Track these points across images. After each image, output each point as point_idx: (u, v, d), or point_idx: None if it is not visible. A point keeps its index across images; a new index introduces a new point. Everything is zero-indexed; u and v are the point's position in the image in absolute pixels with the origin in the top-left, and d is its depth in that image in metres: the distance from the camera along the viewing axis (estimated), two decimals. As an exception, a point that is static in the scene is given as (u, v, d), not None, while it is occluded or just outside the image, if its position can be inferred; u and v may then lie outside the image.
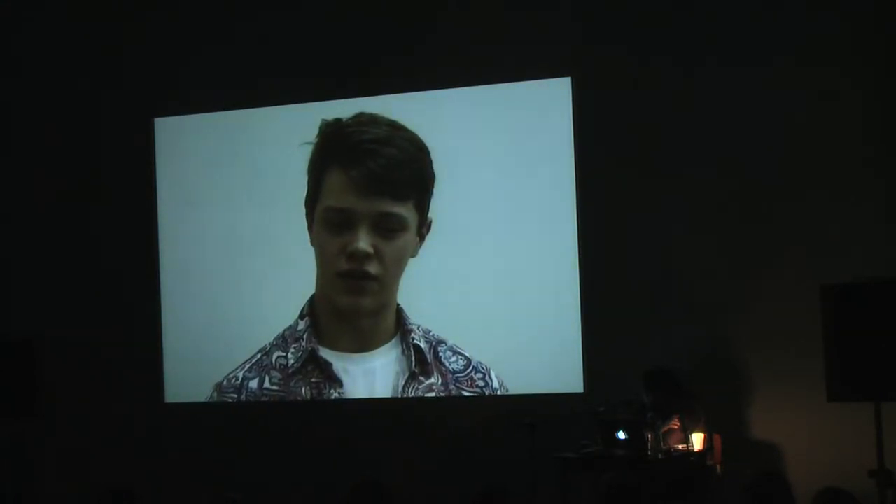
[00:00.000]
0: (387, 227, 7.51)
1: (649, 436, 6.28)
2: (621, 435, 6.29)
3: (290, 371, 7.79)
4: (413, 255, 7.56)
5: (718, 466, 6.59)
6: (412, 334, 7.56)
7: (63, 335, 8.09)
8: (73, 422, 8.18)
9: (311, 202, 7.72)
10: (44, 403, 7.30)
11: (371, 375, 7.64)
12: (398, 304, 7.59)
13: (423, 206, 7.55)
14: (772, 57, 7.03)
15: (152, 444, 8.02)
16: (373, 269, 7.51)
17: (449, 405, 7.50)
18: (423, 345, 7.54)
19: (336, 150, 7.71)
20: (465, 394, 7.46)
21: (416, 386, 7.54)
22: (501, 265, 7.43)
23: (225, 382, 7.94)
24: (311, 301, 7.75)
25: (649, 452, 6.23)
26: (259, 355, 7.88)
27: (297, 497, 7.53)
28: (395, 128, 7.62)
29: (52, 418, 7.86)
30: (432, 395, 7.52)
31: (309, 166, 7.76)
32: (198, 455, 7.88)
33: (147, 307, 8.16)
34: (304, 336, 7.75)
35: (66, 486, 7.91)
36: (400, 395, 7.56)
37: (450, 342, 7.51)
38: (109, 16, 8.37)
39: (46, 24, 8.54)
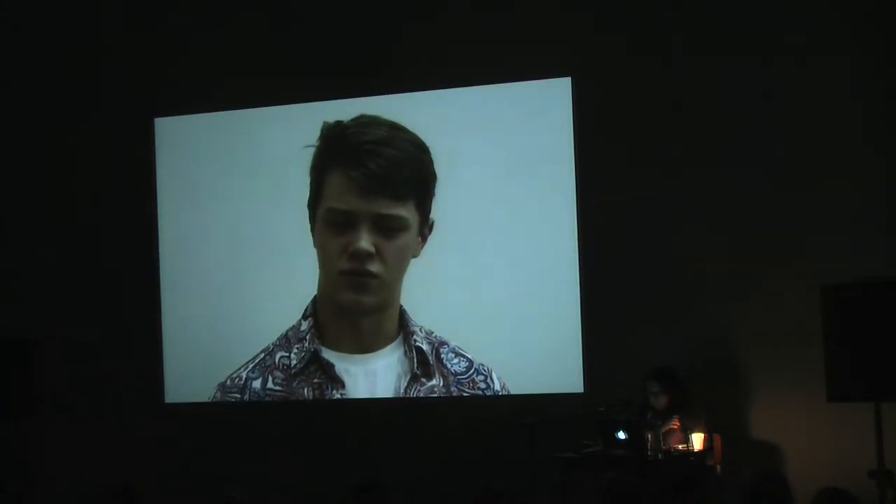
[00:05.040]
0: (387, 227, 7.51)
1: (649, 436, 6.29)
2: (621, 435, 6.29)
3: (292, 371, 7.79)
4: (415, 256, 7.56)
5: (718, 466, 6.58)
6: (414, 336, 7.55)
7: (63, 335, 8.08)
8: (73, 422, 8.17)
9: (314, 203, 7.72)
10: (44, 403, 7.30)
11: (373, 376, 7.63)
12: (401, 306, 7.60)
13: (424, 207, 7.55)
14: (772, 56, 7.02)
15: (152, 444, 8.00)
16: (374, 267, 7.51)
17: (449, 405, 7.49)
18: (425, 346, 7.54)
19: (337, 151, 7.71)
20: (466, 395, 7.46)
21: (418, 387, 7.54)
22: (501, 265, 7.42)
23: (228, 382, 7.94)
24: (314, 301, 7.76)
25: (649, 452, 6.23)
26: (262, 355, 7.88)
27: (298, 497, 7.53)
28: (395, 129, 7.63)
29: (52, 418, 7.86)
30: (434, 396, 7.51)
31: (311, 168, 7.76)
32: (198, 455, 7.88)
33: (147, 307, 8.16)
34: (307, 337, 7.75)
35: (67, 486, 7.90)
36: (401, 397, 7.55)
37: (452, 344, 7.51)
38: (110, 15, 8.37)
39: (46, 23, 8.53)
